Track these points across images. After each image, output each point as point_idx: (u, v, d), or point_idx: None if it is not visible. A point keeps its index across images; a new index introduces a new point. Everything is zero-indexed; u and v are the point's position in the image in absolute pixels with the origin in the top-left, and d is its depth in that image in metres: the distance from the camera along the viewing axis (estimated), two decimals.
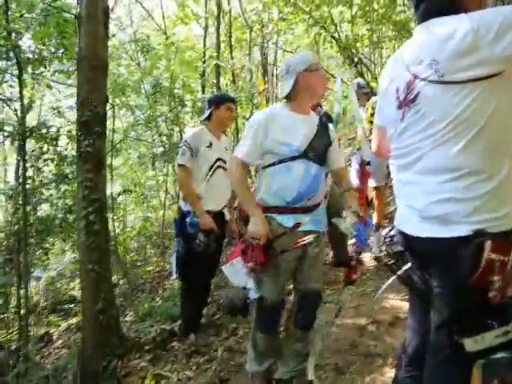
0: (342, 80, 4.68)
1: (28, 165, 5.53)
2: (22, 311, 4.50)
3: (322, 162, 2.28)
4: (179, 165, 3.30)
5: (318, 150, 2.25)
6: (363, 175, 4.69)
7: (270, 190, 2.19)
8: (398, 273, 1.55)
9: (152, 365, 3.14)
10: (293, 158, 2.16)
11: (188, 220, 3.17)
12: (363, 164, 4.64)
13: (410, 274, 1.54)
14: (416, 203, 1.42)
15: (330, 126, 2.43)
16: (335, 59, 9.29)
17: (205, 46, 8.92)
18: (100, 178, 3.57)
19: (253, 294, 2.17)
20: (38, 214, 6.83)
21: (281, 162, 2.16)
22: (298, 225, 2.18)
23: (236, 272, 2.15)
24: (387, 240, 1.67)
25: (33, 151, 5.66)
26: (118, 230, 9.40)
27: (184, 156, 3.24)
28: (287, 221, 2.18)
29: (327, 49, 8.85)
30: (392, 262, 1.63)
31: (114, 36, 8.59)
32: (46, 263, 7.36)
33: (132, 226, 10.81)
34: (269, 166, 2.20)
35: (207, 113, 3.36)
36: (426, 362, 1.44)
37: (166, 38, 8.23)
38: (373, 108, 4.63)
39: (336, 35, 8.09)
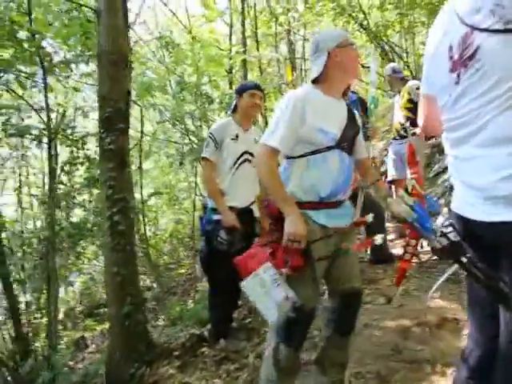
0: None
1: (58, 172, 5.53)
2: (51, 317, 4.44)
3: (351, 152, 2.05)
4: (202, 158, 3.13)
5: (349, 139, 2.02)
6: (412, 164, 4.27)
7: (303, 183, 1.93)
8: (462, 259, 1.27)
9: (180, 372, 2.97)
10: (328, 148, 1.91)
11: (205, 216, 3.01)
12: (411, 152, 4.24)
13: (474, 263, 1.28)
14: (478, 181, 1.17)
15: (356, 113, 2.19)
16: (365, 49, 8.94)
17: (231, 42, 8.81)
18: (124, 176, 3.45)
19: (297, 300, 1.86)
20: (72, 219, 6.88)
21: (314, 152, 1.91)
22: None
23: (261, 284, 1.79)
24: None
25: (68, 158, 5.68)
26: (149, 233, 9.42)
27: (208, 148, 3.07)
28: (318, 217, 1.93)
29: (356, 38, 8.51)
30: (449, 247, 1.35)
31: (141, 40, 8.63)
32: (80, 267, 7.40)
33: (165, 228, 10.81)
34: (300, 156, 1.94)
35: (233, 104, 3.20)
36: (496, 373, 1.19)
37: (193, 38, 8.16)
38: (409, 93, 4.33)
39: (365, 23, 7.78)
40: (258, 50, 8.33)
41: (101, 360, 3.71)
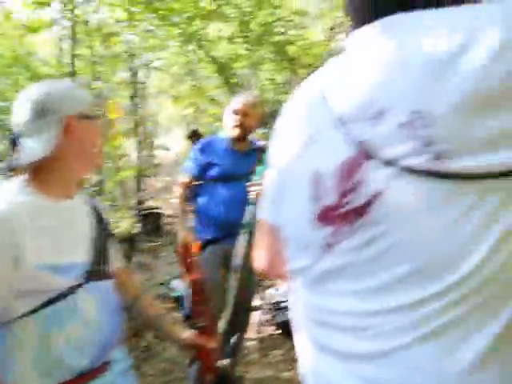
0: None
1: None
2: None
3: (110, 273, 1.25)
4: None
5: (104, 257, 1.23)
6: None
7: (42, 362, 1.05)
8: None
9: None
10: (72, 288, 1.09)
11: None
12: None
13: None
14: None
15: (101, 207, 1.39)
16: (214, 80, 8.61)
17: (59, 60, 7.61)
18: None
19: None
20: None
21: (48, 303, 1.05)
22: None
23: None
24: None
25: None
26: None
27: None
28: None
29: (205, 68, 8.13)
30: None
31: None
32: None
33: None
34: (23, 316, 1.05)
35: None
36: None
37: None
38: None
39: (213, 54, 7.43)
40: (93, 72, 7.25)
41: None
